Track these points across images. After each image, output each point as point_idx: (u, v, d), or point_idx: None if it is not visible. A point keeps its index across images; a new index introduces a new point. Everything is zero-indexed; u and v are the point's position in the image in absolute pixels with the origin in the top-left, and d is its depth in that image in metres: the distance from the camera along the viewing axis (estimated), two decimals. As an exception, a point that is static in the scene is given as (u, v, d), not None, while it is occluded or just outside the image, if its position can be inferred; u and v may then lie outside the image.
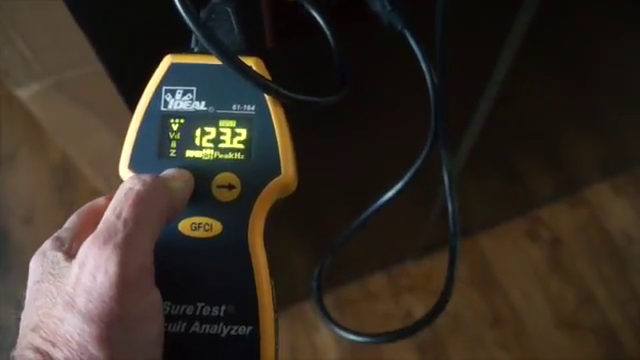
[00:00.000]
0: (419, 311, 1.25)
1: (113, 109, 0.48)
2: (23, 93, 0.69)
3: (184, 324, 0.30)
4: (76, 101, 0.72)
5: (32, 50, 0.63)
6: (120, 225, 0.26)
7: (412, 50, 0.36)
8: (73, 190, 1.39)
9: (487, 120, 0.77)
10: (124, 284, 0.25)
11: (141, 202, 0.27)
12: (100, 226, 0.27)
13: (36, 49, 0.63)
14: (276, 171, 0.31)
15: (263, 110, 0.32)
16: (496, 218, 1.31)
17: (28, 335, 0.26)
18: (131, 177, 0.28)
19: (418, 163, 0.38)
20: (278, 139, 0.31)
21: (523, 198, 1.29)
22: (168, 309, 0.30)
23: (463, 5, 0.38)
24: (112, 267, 0.25)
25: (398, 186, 0.40)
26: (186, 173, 0.31)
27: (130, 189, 0.27)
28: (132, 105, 0.33)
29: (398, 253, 1.26)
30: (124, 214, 0.26)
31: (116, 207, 0.27)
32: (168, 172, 0.31)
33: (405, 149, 0.76)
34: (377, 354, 1.21)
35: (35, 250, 0.29)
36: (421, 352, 1.21)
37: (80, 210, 0.32)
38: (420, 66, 0.36)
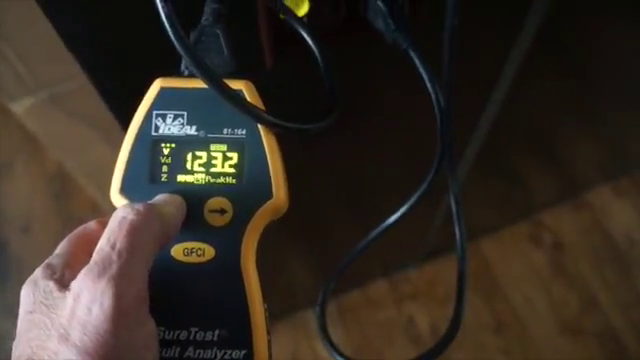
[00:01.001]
0: (422, 318, 1.24)
1: (108, 121, 0.48)
2: (17, 107, 0.67)
3: (178, 349, 0.30)
4: (71, 114, 0.71)
5: (25, 64, 0.62)
6: (115, 256, 0.26)
7: (417, 71, 0.35)
8: (70, 199, 1.38)
9: (492, 125, 0.77)
10: (120, 316, 0.25)
11: (135, 232, 0.27)
12: (94, 257, 0.26)
13: (29, 63, 0.62)
14: (268, 195, 0.31)
15: (254, 134, 0.32)
16: (499, 222, 1.30)
17: None
18: (124, 206, 0.28)
19: (423, 187, 0.37)
20: (269, 162, 0.31)
21: (525, 202, 1.28)
22: (162, 334, 0.30)
23: (469, 11, 0.37)
24: (107, 300, 0.25)
25: (403, 209, 0.39)
26: (178, 198, 0.31)
27: (123, 218, 0.27)
28: (126, 126, 0.32)
29: (400, 259, 1.25)
30: (118, 245, 0.26)
31: (110, 237, 0.27)
32: (160, 198, 0.30)
33: (408, 161, 0.76)
34: (379, 361, 1.20)
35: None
36: (424, 359, 1.20)
37: (71, 235, 0.32)
38: (425, 86, 0.35)
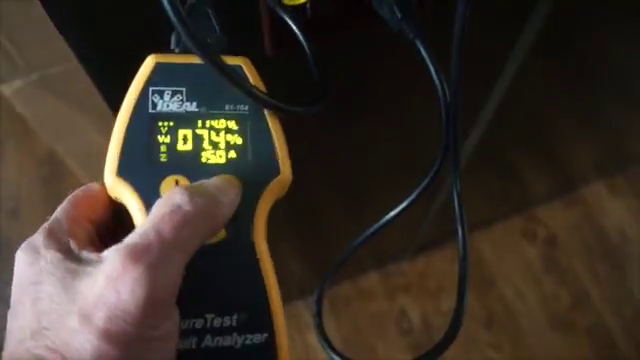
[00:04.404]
0: (413, 310, 1.24)
1: (98, 104, 0.47)
2: (6, 89, 0.66)
3: (195, 339, 0.28)
4: (60, 97, 0.70)
5: (15, 46, 0.60)
6: (158, 244, 0.24)
7: (423, 62, 0.34)
8: (60, 182, 1.36)
9: (490, 121, 0.76)
10: (149, 307, 0.23)
11: (186, 225, 0.25)
12: (135, 238, 0.25)
13: (19, 45, 0.61)
14: (276, 171, 0.30)
15: (257, 109, 0.30)
16: (492, 216, 1.30)
17: (27, 342, 0.24)
18: (182, 190, 0.26)
19: (426, 182, 0.36)
20: (274, 138, 0.30)
21: (520, 196, 1.28)
22: None
23: (473, 6, 0.36)
24: (141, 289, 0.23)
25: (403, 205, 0.38)
26: (235, 189, 0.28)
27: (178, 207, 0.25)
28: (115, 107, 0.31)
29: (392, 251, 1.25)
30: (165, 233, 0.24)
31: (157, 222, 0.25)
32: (218, 183, 0.28)
33: (408, 155, 0.75)
34: (371, 354, 1.19)
35: (22, 243, 0.27)
36: (415, 352, 1.20)
37: (73, 196, 0.29)
38: (432, 79, 0.34)
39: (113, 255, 0.24)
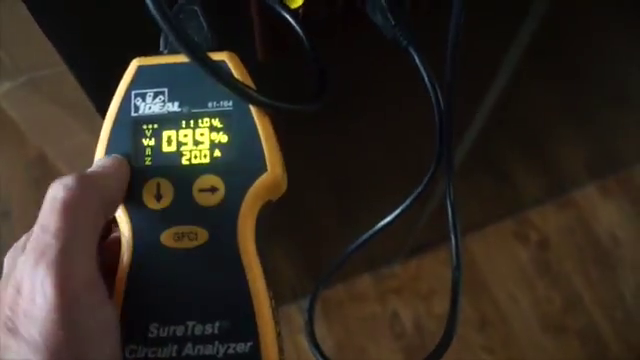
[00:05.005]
0: (406, 313, 1.24)
1: (88, 107, 0.46)
2: (-6, 91, 0.65)
3: (175, 347, 0.27)
4: (50, 99, 0.69)
5: (4, 48, 0.60)
6: (50, 239, 0.24)
7: (417, 70, 0.33)
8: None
9: (483, 125, 0.76)
10: (66, 304, 0.23)
11: (68, 209, 0.25)
12: (30, 243, 0.24)
13: (8, 47, 0.60)
14: (262, 168, 0.29)
15: (241, 104, 0.29)
16: (485, 219, 1.30)
17: None
18: (55, 183, 0.26)
19: (419, 189, 0.36)
20: (261, 133, 0.29)
21: (512, 199, 1.28)
22: (155, 332, 0.27)
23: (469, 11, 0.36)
24: (49, 288, 0.23)
25: (397, 212, 0.38)
26: (116, 159, 0.28)
27: (54, 198, 0.25)
28: (102, 109, 0.30)
29: (385, 254, 1.24)
30: (52, 227, 0.24)
31: (40, 220, 0.25)
32: (97, 163, 0.28)
33: (401, 159, 0.74)
34: (363, 357, 1.19)
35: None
36: (407, 355, 1.20)
37: None
38: (425, 86, 0.33)
39: (18, 264, 0.24)
